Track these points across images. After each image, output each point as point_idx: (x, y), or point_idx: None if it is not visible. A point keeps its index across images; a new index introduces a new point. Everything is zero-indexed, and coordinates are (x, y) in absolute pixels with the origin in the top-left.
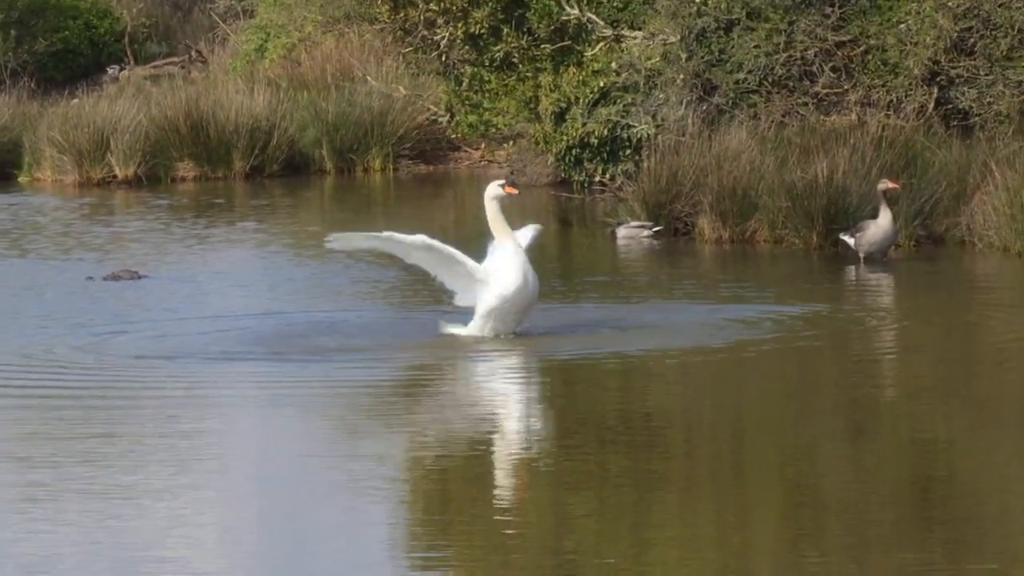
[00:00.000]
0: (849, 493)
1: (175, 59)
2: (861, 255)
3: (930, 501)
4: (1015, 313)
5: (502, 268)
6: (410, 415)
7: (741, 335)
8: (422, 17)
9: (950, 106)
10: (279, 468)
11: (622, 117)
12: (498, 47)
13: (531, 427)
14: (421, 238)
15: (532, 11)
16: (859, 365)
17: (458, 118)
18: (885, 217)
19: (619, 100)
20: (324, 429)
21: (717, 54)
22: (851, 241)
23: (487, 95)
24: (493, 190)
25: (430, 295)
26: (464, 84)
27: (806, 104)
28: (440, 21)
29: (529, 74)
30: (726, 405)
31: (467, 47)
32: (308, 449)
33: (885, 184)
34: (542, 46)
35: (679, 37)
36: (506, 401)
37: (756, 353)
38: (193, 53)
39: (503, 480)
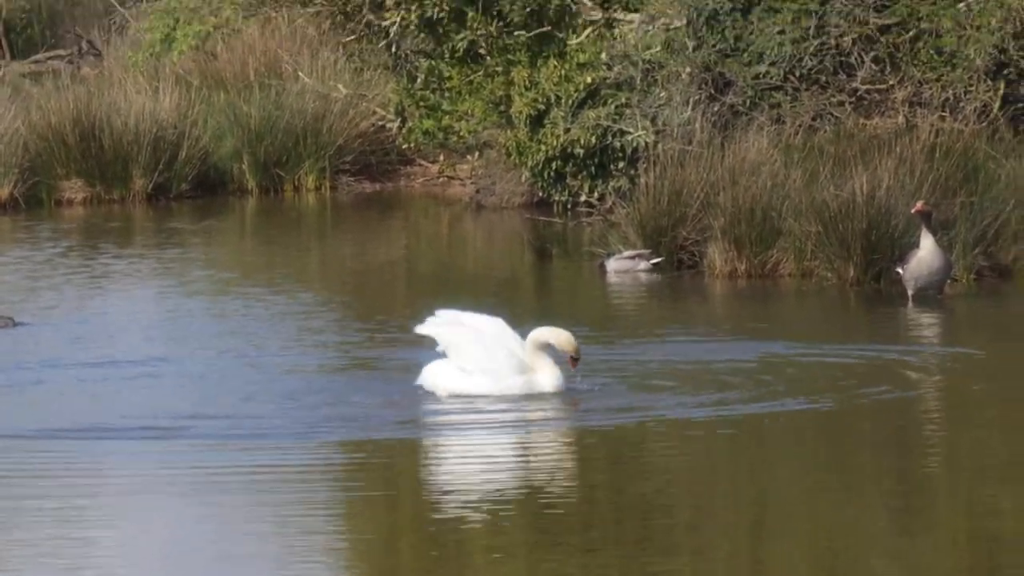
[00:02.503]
0: None
1: (61, 52)
2: (909, 292)
3: None
4: None
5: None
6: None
7: (755, 399)
8: None
9: (1020, 105)
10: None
11: (614, 121)
12: (461, 35)
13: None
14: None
15: None
16: (899, 437)
17: (411, 124)
18: (926, 246)
19: (610, 100)
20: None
21: (732, 42)
22: (902, 274)
23: (447, 95)
24: (563, 340)
25: (375, 339)
26: (419, 81)
27: (842, 104)
28: (390, 3)
29: (499, 68)
30: (740, 488)
31: (423, 35)
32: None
33: (915, 207)
34: (516, 33)
35: (685, 21)
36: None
37: (774, 422)
38: (84, 44)
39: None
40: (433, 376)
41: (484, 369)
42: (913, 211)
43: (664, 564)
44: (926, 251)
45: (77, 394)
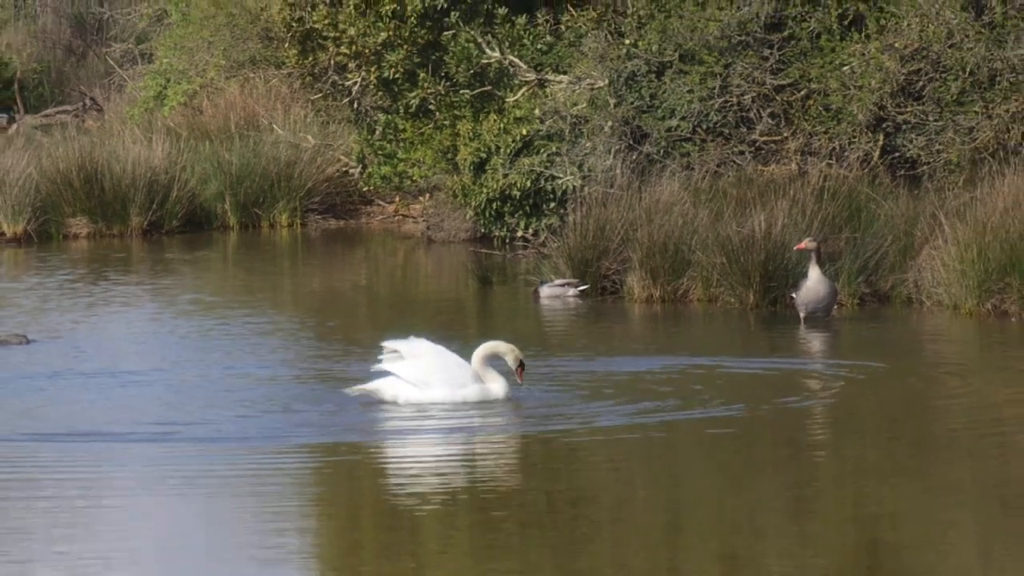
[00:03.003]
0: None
1: (68, 107)
2: (801, 315)
3: None
4: (964, 380)
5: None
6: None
7: (671, 408)
8: (332, 61)
9: (896, 154)
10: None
11: (546, 167)
12: (414, 93)
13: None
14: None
15: (450, 54)
16: (793, 440)
17: (370, 169)
18: (813, 275)
19: (543, 149)
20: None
21: (648, 99)
22: (795, 299)
23: (402, 145)
24: (505, 350)
25: (341, 354)
26: (377, 133)
27: (743, 153)
28: (352, 65)
29: (447, 122)
30: (656, 485)
31: (380, 93)
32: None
33: (798, 245)
34: (461, 92)
35: (607, 81)
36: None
37: (679, 430)
38: (87, 101)
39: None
40: (394, 387)
41: (444, 379)
42: (796, 248)
43: (590, 547)
44: (813, 280)
45: (79, 402)
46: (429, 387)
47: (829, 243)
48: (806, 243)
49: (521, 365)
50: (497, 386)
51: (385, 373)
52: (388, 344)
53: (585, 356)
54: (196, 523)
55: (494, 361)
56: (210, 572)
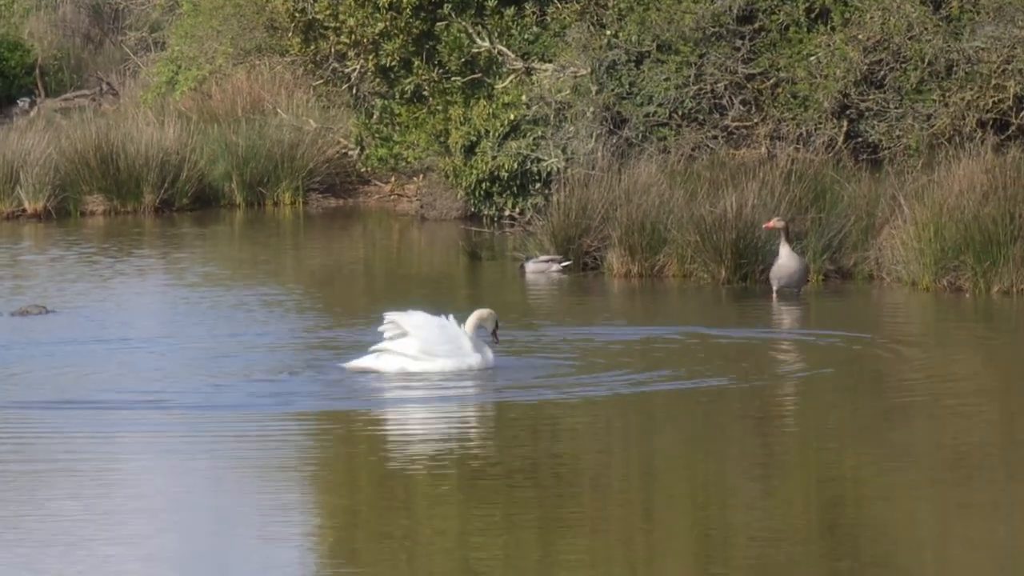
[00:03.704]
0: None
1: (86, 92)
2: (774, 289)
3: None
4: (921, 351)
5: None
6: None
7: (638, 379)
8: (333, 50)
9: (859, 139)
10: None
11: (532, 150)
12: (409, 80)
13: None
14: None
15: (443, 44)
16: (761, 404)
17: (368, 151)
18: (783, 253)
19: (529, 133)
20: (232, 478)
21: (627, 87)
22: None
23: (397, 128)
24: (487, 316)
25: (341, 324)
26: (374, 117)
27: (716, 137)
28: (351, 54)
29: (439, 107)
30: (632, 449)
31: (378, 80)
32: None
33: (767, 224)
34: (453, 79)
35: (589, 70)
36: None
37: (656, 398)
38: (104, 86)
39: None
40: (396, 361)
41: (450, 350)
42: (764, 226)
43: (571, 507)
44: (784, 258)
45: (93, 369)
46: (436, 358)
47: (796, 223)
48: (774, 222)
49: (496, 325)
50: (491, 354)
51: (384, 350)
52: (389, 315)
53: (567, 327)
54: (199, 484)
55: (478, 330)
56: (213, 531)
